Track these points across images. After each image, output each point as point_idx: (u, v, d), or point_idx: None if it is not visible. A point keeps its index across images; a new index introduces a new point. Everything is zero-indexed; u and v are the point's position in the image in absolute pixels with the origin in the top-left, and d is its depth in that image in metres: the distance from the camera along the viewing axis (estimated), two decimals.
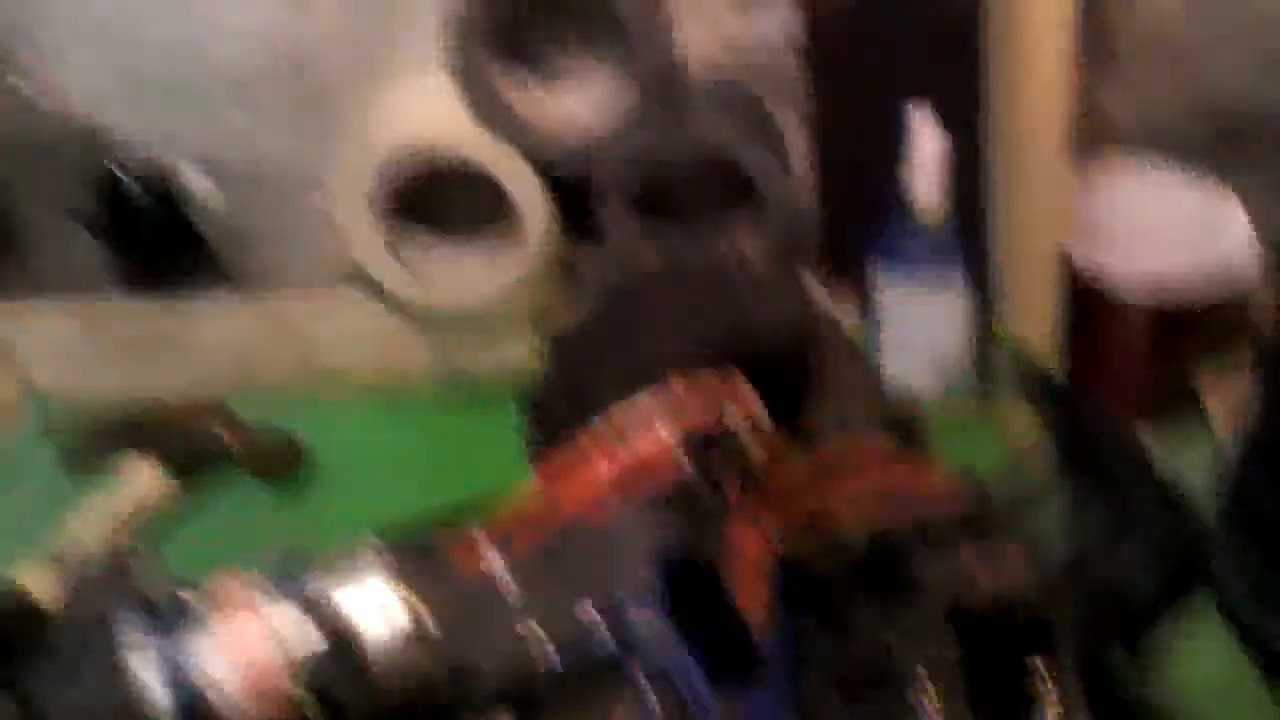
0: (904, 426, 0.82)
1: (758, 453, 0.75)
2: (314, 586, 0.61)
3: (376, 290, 1.20)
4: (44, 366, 1.26)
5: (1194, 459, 0.85)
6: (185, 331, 1.24)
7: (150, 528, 1.08)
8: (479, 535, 0.67)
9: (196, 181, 1.22)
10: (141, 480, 1.09)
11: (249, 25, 1.15)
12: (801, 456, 0.79)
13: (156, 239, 1.23)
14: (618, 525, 0.69)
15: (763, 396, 0.80)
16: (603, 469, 0.74)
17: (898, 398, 0.87)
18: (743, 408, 0.77)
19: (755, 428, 0.77)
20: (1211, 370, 1.07)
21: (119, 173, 1.20)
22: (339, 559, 0.63)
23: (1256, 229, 1.01)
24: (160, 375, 1.25)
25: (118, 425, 1.16)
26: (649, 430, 0.74)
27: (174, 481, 1.11)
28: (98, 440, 1.16)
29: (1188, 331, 1.00)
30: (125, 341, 1.25)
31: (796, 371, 0.85)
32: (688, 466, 0.73)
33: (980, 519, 0.71)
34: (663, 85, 1.04)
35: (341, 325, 1.24)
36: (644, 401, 0.75)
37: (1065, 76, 0.86)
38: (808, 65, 1.09)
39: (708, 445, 0.75)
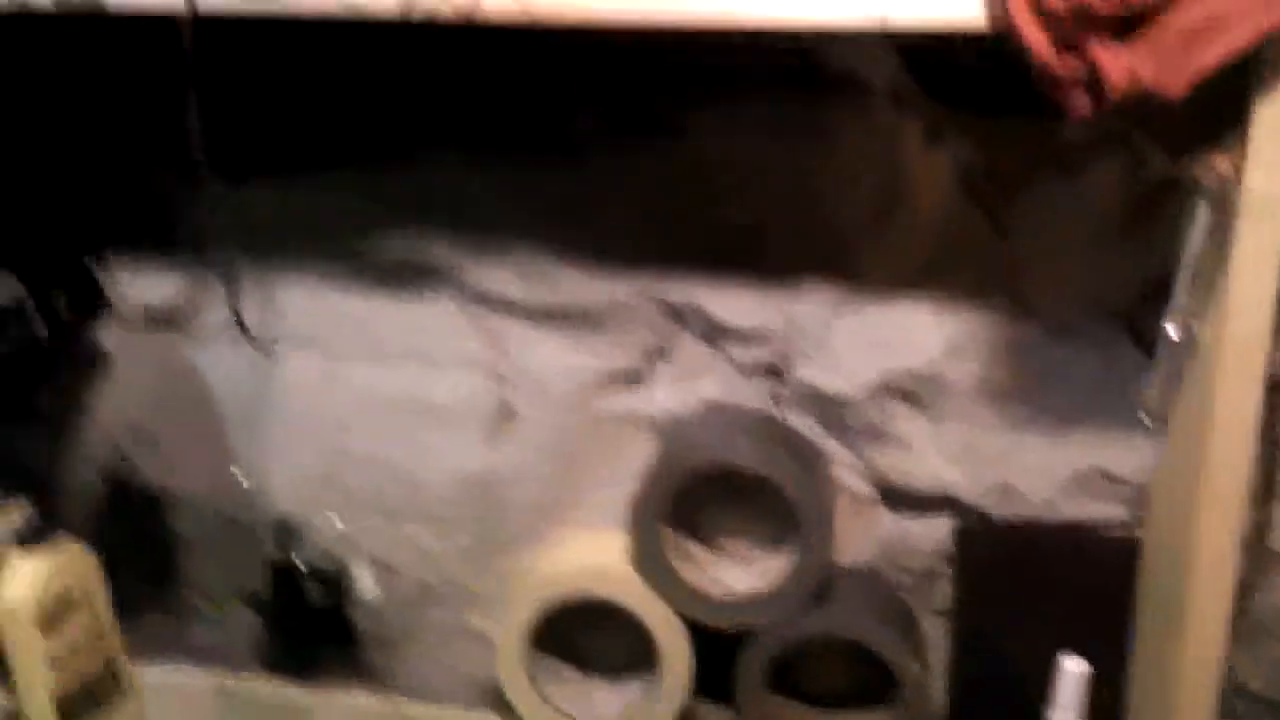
0: None
1: None
2: None
3: (509, 714, 1.23)
4: None
5: None
6: (315, 718, 1.29)
7: None
8: None
9: (365, 582, 1.30)
10: None
11: (452, 454, 1.25)
12: None
13: (314, 628, 1.31)
14: None
15: None
16: None
17: None
18: None
19: None
20: None
21: (297, 562, 1.29)
22: None
23: None
24: None
25: None
26: None
27: None
28: None
29: None
30: (258, 715, 1.30)
31: None
32: None
33: None
34: (816, 569, 1.10)
35: None
36: None
37: (1217, 644, 0.90)
38: (956, 573, 1.15)
39: None
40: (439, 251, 1.21)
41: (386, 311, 1.24)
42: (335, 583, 1.29)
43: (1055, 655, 1.04)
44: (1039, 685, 1.04)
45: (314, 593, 1.29)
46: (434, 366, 1.25)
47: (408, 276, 1.23)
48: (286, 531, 1.30)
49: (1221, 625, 0.89)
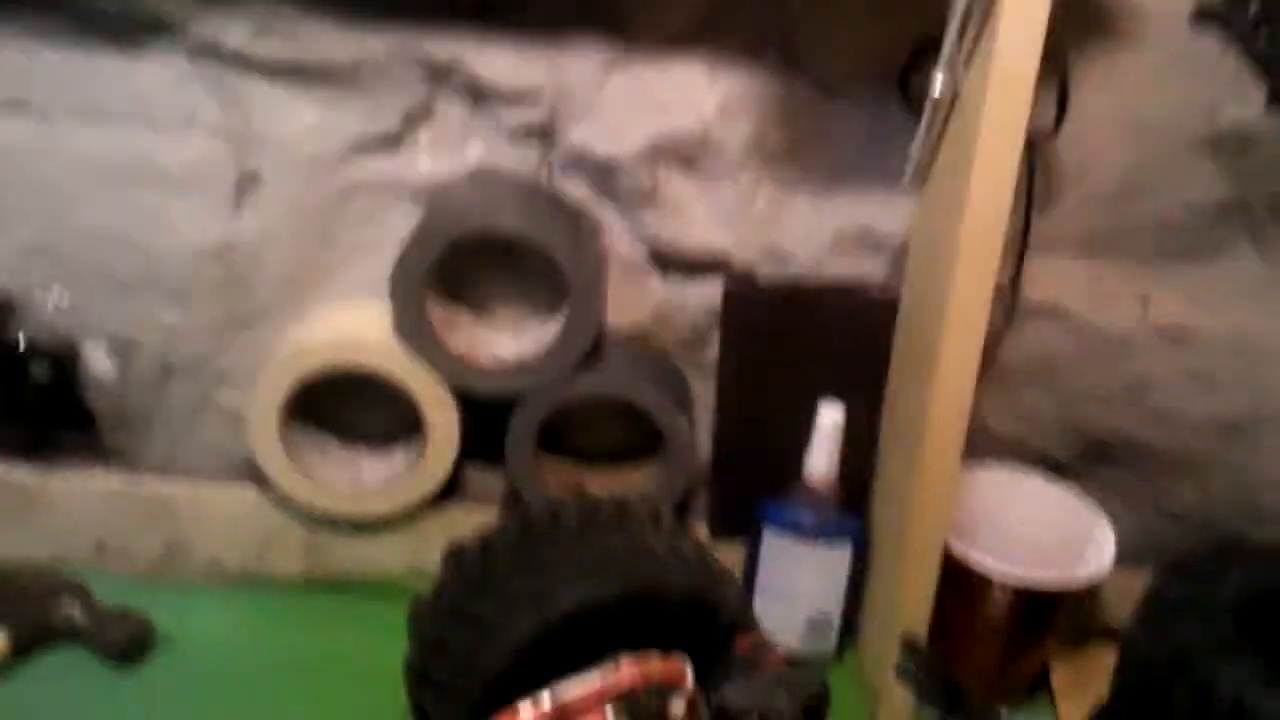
0: (806, 693, 0.87)
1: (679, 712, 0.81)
2: None
3: (266, 487, 1.20)
4: None
5: None
6: (54, 501, 1.21)
7: None
8: None
9: (100, 361, 1.21)
10: None
11: (189, 224, 1.16)
12: None
13: (45, 409, 1.21)
14: None
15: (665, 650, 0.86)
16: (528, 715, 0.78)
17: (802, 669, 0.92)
18: (677, 681, 0.82)
19: (684, 698, 0.82)
20: (1064, 651, 1.17)
21: (21, 340, 1.18)
22: None
23: (1113, 533, 1.13)
24: (21, 541, 1.21)
25: None
26: (581, 687, 0.79)
27: (10, 650, 1.07)
28: None
29: (1046, 616, 1.10)
30: None
31: (700, 634, 0.90)
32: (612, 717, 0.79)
33: None
34: (585, 334, 1.11)
35: (218, 516, 1.22)
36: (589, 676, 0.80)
37: (966, 389, 0.96)
38: (723, 334, 1.18)
39: (632, 701, 0.80)
40: (164, 1, 1.08)
41: (105, 68, 1.11)
42: (62, 361, 1.19)
43: (815, 406, 1.10)
44: (800, 437, 1.11)
45: (39, 371, 1.18)
46: (162, 129, 1.14)
47: (128, 29, 1.10)
48: (4, 309, 1.18)
49: (971, 370, 0.95)
